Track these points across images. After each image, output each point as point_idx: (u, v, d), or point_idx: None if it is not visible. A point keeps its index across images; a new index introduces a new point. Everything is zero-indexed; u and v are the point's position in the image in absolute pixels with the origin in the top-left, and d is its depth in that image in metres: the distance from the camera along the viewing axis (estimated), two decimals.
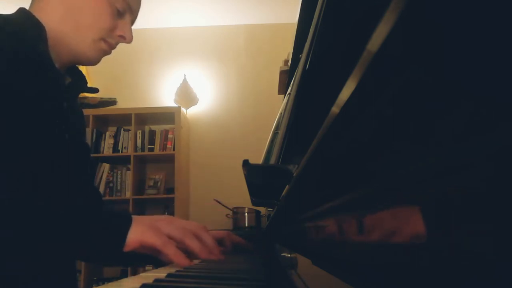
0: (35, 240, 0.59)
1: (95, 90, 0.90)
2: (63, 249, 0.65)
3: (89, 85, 0.88)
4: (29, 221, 0.58)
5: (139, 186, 3.09)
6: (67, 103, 0.78)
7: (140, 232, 0.65)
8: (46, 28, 0.73)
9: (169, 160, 3.02)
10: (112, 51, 0.83)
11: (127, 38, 0.82)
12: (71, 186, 0.73)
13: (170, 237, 0.68)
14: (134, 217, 0.67)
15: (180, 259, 0.66)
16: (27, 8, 0.76)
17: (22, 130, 0.64)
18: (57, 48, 0.76)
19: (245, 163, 0.52)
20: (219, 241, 0.88)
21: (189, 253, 0.70)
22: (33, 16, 0.73)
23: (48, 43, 0.73)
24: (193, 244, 0.69)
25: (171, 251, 0.66)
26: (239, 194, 2.81)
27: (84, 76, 0.87)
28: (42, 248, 0.62)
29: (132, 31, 0.83)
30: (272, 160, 0.62)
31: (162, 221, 0.70)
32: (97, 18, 0.77)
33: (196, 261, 0.75)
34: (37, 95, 0.68)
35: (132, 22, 0.84)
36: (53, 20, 0.75)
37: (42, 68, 0.70)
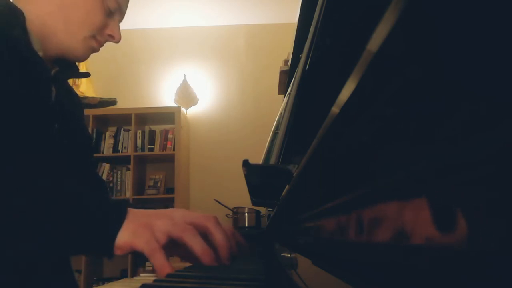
0: (15, 237, 0.53)
1: (85, 75, 0.89)
2: (43, 245, 0.56)
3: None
4: (6, 217, 0.52)
5: (139, 186, 3.09)
6: (56, 89, 0.76)
7: (132, 233, 0.55)
8: (32, 18, 0.72)
9: (169, 160, 3.02)
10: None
11: (116, 38, 0.83)
12: (57, 177, 0.66)
13: (169, 237, 0.56)
14: (130, 212, 0.57)
15: (164, 273, 0.54)
16: None
17: None
18: (45, 41, 0.75)
19: (245, 163, 0.52)
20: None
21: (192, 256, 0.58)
22: (11, 3, 0.72)
23: (27, 31, 0.72)
24: (194, 244, 0.56)
25: (157, 261, 0.54)
26: (239, 194, 2.81)
27: (74, 64, 0.85)
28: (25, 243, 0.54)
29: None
30: (272, 160, 0.61)
31: (161, 216, 0.58)
32: (90, 15, 0.77)
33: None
34: (12, 81, 0.64)
35: (119, 22, 0.85)
36: (43, 12, 0.74)
37: (17, 53, 0.67)
